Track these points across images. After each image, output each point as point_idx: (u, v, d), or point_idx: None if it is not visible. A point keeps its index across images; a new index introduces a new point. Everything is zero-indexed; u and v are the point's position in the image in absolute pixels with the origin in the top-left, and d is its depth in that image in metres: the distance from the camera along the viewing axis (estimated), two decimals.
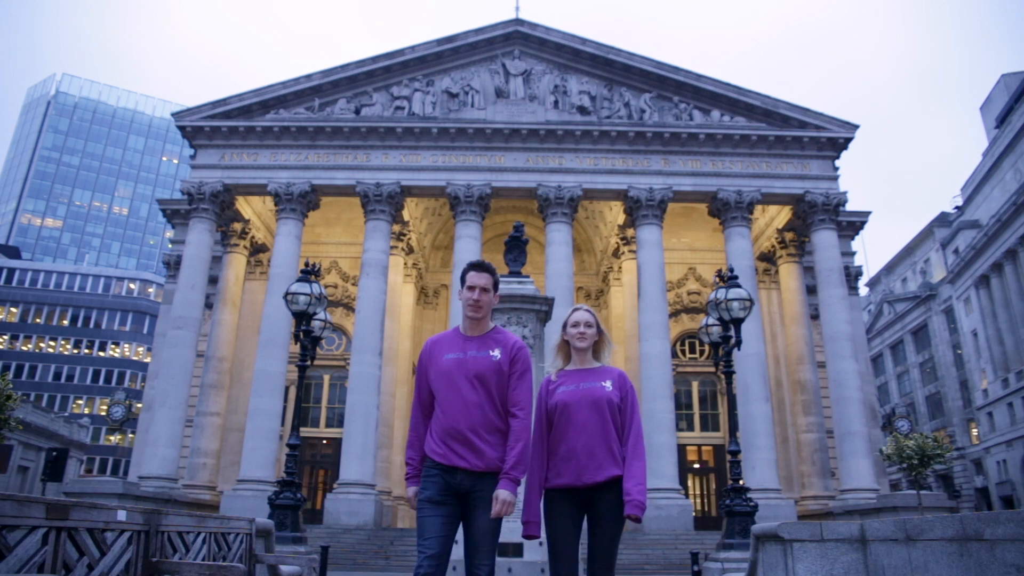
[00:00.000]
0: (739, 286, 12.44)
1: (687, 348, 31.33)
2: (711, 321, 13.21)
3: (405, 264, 30.05)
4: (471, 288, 4.05)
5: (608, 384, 4.16)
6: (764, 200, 26.49)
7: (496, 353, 3.99)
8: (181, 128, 26.73)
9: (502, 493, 3.82)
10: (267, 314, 24.76)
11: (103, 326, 68.75)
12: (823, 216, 25.93)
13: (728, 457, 12.74)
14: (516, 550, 8.11)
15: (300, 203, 25.92)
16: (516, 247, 10.44)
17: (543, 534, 4.11)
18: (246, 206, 28.27)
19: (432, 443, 3.97)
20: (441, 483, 3.90)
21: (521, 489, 4.02)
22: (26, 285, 68.29)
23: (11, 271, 68.61)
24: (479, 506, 3.89)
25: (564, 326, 4.35)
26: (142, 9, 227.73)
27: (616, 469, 3.99)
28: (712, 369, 27.34)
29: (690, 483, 29.36)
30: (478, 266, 4.15)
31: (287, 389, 26.23)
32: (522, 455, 3.91)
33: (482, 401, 3.90)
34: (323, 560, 10.98)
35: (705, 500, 29.82)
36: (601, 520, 4.02)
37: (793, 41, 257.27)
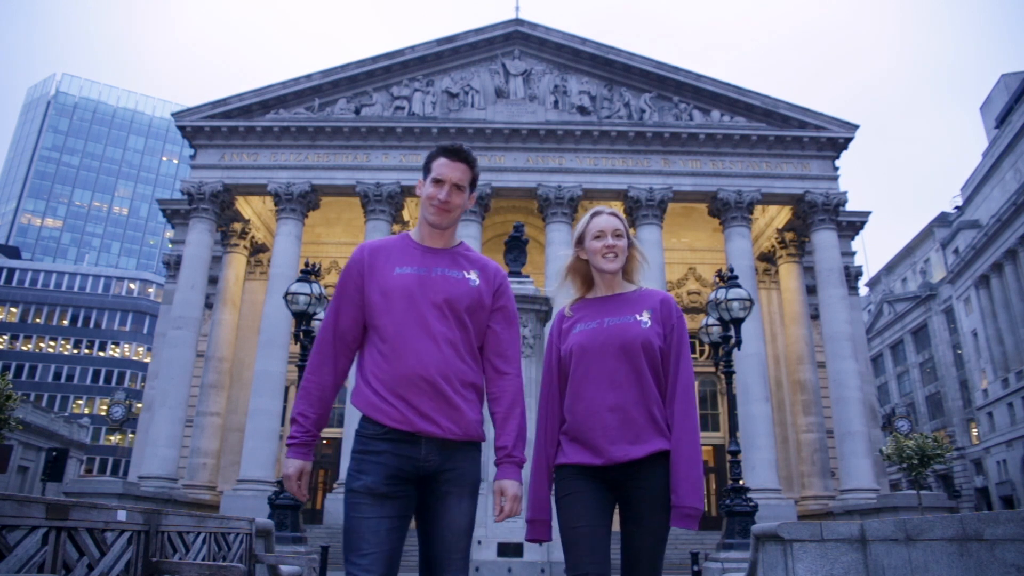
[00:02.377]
0: (739, 286, 12.43)
1: None
2: (711, 321, 13.20)
3: None
4: (438, 182, 2.77)
5: (646, 317, 2.89)
6: (764, 200, 26.50)
7: (473, 277, 2.78)
8: (181, 128, 26.75)
9: (509, 485, 2.65)
10: (267, 314, 24.77)
11: (103, 326, 68.75)
12: (823, 216, 25.93)
13: (728, 457, 12.74)
14: (516, 550, 8.10)
15: (300, 203, 25.93)
16: (516, 247, 10.46)
17: (554, 531, 2.90)
18: (246, 206, 28.27)
19: (374, 398, 2.62)
20: (391, 464, 2.57)
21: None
22: (26, 285, 68.28)
23: (11, 271, 68.61)
24: (452, 493, 2.63)
25: (580, 239, 3.06)
26: (150, 9, 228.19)
27: (661, 441, 2.78)
28: (712, 369, 27.32)
29: None
30: (452, 152, 2.81)
31: (287, 389, 26.24)
32: (522, 428, 2.75)
33: (456, 339, 2.68)
34: (323, 560, 10.97)
35: (705, 500, 29.80)
36: (642, 511, 2.77)
37: (793, 40, 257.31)
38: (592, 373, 2.84)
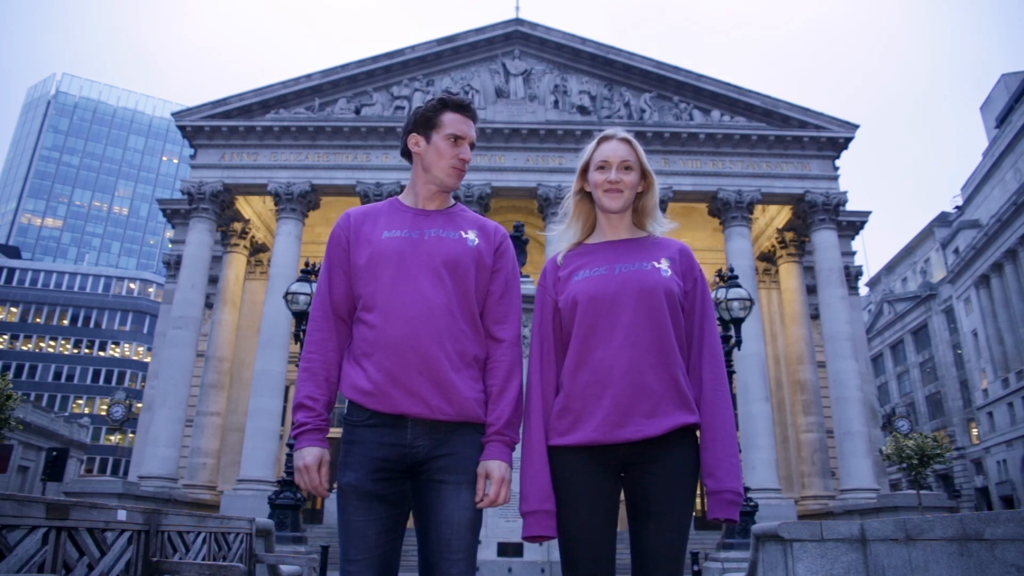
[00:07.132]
0: (739, 286, 12.43)
1: None
2: None
3: None
4: (458, 139, 2.50)
5: (664, 265, 2.40)
6: (764, 200, 26.50)
7: (472, 236, 2.47)
8: (181, 128, 26.75)
9: (496, 467, 2.28)
10: (267, 314, 24.77)
11: (103, 326, 68.75)
12: (823, 216, 25.94)
13: None
14: (516, 550, 8.07)
15: (300, 203, 25.94)
16: (516, 247, 10.44)
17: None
18: (246, 206, 28.28)
19: (356, 376, 2.35)
20: (376, 455, 2.32)
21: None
22: (26, 285, 68.29)
23: (11, 271, 68.62)
24: (448, 482, 2.28)
25: (584, 170, 2.54)
26: (161, 9, 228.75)
27: (685, 413, 2.29)
28: None
29: None
30: (463, 107, 2.55)
31: (287, 389, 26.24)
32: (518, 404, 2.38)
33: (452, 304, 2.35)
34: (323, 560, 10.97)
35: (705, 500, 29.82)
36: (660, 502, 2.28)
37: (793, 39, 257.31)
38: (600, 328, 2.31)
